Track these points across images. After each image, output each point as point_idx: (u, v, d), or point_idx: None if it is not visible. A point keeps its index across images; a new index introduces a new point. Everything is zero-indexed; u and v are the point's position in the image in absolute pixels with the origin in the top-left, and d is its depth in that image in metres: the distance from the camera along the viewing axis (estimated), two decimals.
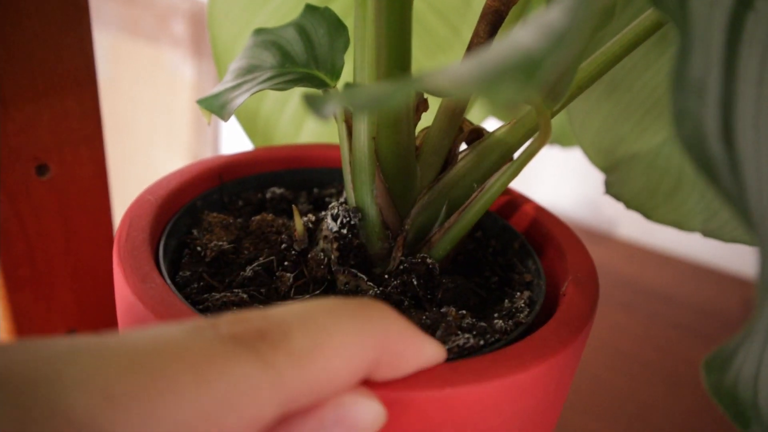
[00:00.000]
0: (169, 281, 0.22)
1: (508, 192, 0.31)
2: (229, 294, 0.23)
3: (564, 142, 0.43)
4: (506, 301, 0.24)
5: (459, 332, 0.22)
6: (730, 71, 0.14)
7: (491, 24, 0.24)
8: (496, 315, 0.24)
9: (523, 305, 0.24)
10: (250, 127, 0.37)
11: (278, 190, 0.30)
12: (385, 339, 0.16)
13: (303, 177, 0.31)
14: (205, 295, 0.23)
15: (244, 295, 0.23)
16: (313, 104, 0.13)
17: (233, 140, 0.93)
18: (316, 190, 0.31)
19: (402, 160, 0.24)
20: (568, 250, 0.26)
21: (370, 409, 0.16)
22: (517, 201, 0.30)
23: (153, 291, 0.21)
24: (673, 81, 0.13)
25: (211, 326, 0.15)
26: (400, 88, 0.12)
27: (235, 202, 0.29)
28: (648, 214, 0.31)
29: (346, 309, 0.16)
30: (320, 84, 0.25)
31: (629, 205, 0.31)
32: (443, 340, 0.21)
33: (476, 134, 0.26)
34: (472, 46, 0.24)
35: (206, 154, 0.91)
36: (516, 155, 0.24)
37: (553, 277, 0.26)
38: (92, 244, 0.34)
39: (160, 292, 0.21)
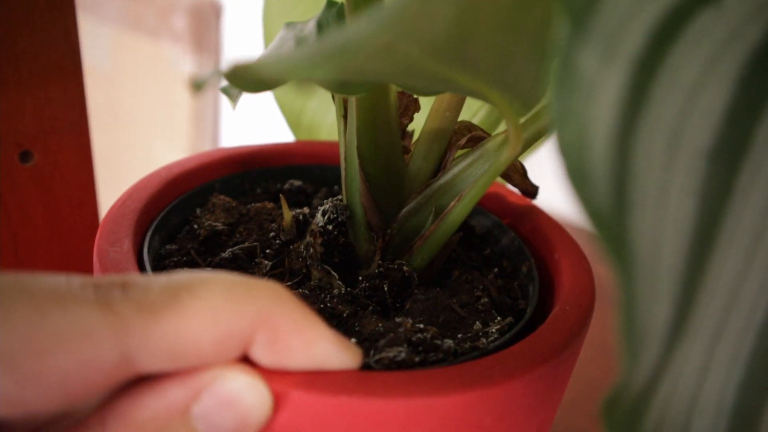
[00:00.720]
0: (146, 250, 0.24)
1: (531, 206, 0.30)
2: (189, 270, 0.24)
3: None
4: (477, 323, 0.24)
5: (404, 345, 0.21)
6: (646, 71, 0.12)
7: None
8: (459, 336, 0.23)
9: (494, 331, 0.23)
10: (294, 122, 0.39)
11: (297, 183, 0.32)
12: (265, 316, 0.16)
13: (330, 173, 0.32)
14: (175, 269, 0.24)
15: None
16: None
17: (233, 133, 0.96)
18: (336, 187, 0.32)
19: (384, 160, 0.24)
20: (567, 275, 0.25)
21: (253, 390, 0.16)
22: (533, 214, 0.29)
23: (115, 254, 0.22)
24: (556, 74, 0.11)
25: (86, 277, 0.15)
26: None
27: (254, 190, 0.31)
28: None
29: (225, 280, 0.16)
30: None
31: None
32: (382, 349, 0.21)
33: (477, 140, 0.25)
34: None
35: (205, 147, 0.93)
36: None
37: (549, 304, 0.25)
38: (77, 232, 0.34)
39: (120, 256, 0.22)
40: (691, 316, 0.12)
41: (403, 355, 0.20)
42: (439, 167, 0.25)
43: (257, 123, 0.89)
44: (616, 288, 0.11)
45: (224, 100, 0.93)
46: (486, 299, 0.25)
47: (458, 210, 0.23)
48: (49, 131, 0.31)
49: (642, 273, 0.11)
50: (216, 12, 0.86)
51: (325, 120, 0.39)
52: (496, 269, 0.28)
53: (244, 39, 0.88)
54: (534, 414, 0.21)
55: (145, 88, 0.92)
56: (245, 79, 0.15)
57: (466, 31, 0.13)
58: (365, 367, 0.20)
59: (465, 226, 0.31)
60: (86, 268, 0.36)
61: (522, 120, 0.24)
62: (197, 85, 0.14)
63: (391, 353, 0.20)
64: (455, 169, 0.25)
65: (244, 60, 0.13)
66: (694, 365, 0.13)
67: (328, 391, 0.17)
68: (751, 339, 0.13)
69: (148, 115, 0.93)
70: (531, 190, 0.28)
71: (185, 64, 0.87)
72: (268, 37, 0.38)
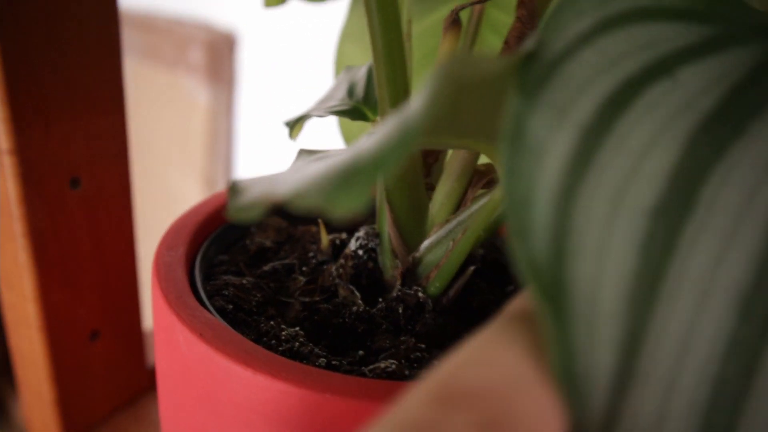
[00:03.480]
0: (199, 257, 0.29)
1: None
2: (234, 278, 0.28)
3: None
4: None
5: (402, 360, 0.24)
6: (593, 137, 0.14)
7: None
8: None
9: None
10: None
11: None
12: None
13: None
14: (222, 275, 0.29)
15: (244, 281, 0.28)
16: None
17: (246, 162, 0.98)
18: None
19: (407, 194, 0.27)
20: None
21: None
22: None
23: (169, 258, 0.27)
24: (507, 139, 0.13)
25: None
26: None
27: (309, 214, 0.35)
28: None
29: None
30: (362, 116, 0.30)
31: None
32: (379, 361, 0.24)
33: (496, 182, 0.28)
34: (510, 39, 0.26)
35: (220, 176, 0.95)
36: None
37: None
38: (116, 252, 0.39)
39: (173, 260, 0.27)
40: (639, 364, 0.13)
41: (393, 367, 0.23)
42: (460, 204, 0.28)
43: (271, 153, 0.95)
44: (548, 337, 0.12)
45: (238, 129, 0.99)
46: None
47: (462, 244, 0.25)
48: (96, 160, 0.35)
49: (579, 321, 0.13)
50: (230, 44, 0.93)
51: None
52: None
53: (257, 69, 0.95)
54: None
55: (162, 117, 0.99)
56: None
57: (457, 108, 0.16)
58: (360, 375, 0.23)
59: (496, 263, 0.34)
60: (123, 284, 0.40)
61: None
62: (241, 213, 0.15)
63: (383, 364, 0.23)
64: (473, 207, 0.27)
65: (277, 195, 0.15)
66: (650, 412, 0.14)
67: (314, 388, 0.20)
68: (707, 388, 0.14)
69: (165, 142, 1.00)
70: None
71: (200, 94, 0.95)
72: (339, 66, 0.42)
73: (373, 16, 0.23)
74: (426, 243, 0.28)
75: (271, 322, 0.26)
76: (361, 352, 0.25)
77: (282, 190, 0.14)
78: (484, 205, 0.26)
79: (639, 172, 0.14)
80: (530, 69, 0.14)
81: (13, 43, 0.31)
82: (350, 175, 0.13)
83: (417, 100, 0.13)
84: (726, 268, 0.14)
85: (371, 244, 0.29)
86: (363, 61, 0.42)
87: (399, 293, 0.27)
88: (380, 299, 0.28)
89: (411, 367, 0.23)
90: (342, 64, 0.42)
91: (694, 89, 0.15)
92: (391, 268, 0.29)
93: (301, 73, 0.88)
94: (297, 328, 0.26)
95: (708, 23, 0.16)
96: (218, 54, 0.91)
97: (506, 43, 0.25)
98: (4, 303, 0.39)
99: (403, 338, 0.25)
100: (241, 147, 0.98)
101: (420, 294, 0.27)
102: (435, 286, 0.27)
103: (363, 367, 0.23)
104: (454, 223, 0.28)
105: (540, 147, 0.13)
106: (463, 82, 0.14)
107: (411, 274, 0.29)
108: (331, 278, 0.29)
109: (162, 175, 0.99)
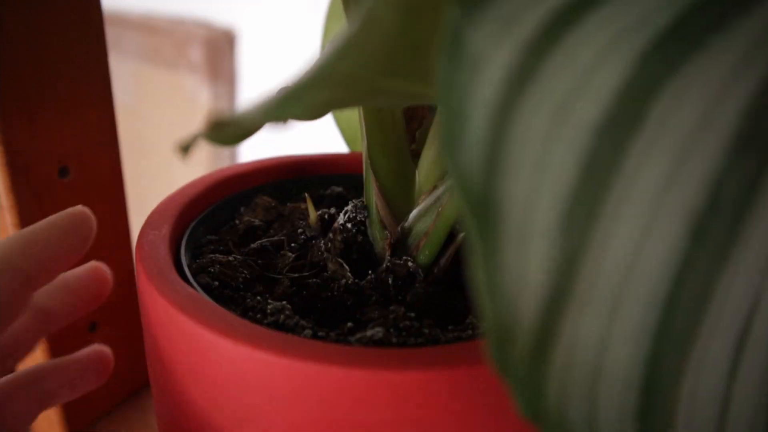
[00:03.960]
0: (185, 239, 0.29)
1: None
2: (220, 256, 0.28)
3: None
4: (471, 317, 0.25)
5: (391, 328, 0.24)
6: (537, 52, 0.13)
7: None
8: (450, 327, 0.25)
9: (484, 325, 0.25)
10: (351, 136, 0.43)
11: (338, 189, 0.36)
12: None
13: None
14: (210, 254, 0.29)
15: (231, 258, 0.28)
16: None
17: (251, 158, 1.03)
18: None
19: (391, 162, 0.27)
20: None
21: None
22: None
23: (152, 236, 0.27)
24: (444, 50, 0.12)
25: None
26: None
27: (300, 194, 0.36)
28: None
29: None
30: None
31: None
32: (366, 330, 0.24)
33: None
34: None
35: None
36: None
37: None
38: (109, 242, 0.39)
39: (157, 238, 0.27)
40: (577, 284, 0.13)
41: (380, 334, 0.23)
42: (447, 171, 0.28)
43: (274, 147, 0.95)
44: (474, 254, 0.12)
45: None
46: None
47: (448, 210, 0.25)
48: (84, 149, 0.36)
49: (509, 237, 0.12)
50: (229, 41, 0.94)
51: None
52: None
53: (257, 65, 0.95)
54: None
55: (164, 117, 1.00)
56: (225, 134, 0.17)
57: (411, 44, 0.15)
58: (347, 344, 0.22)
59: None
60: (118, 275, 0.41)
61: None
62: (185, 149, 0.15)
63: (369, 333, 0.23)
64: None
65: (224, 115, 0.15)
66: (591, 333, 0.13)
67: (296, 356, 0.20)
68: (656, 312, 0.13)
69: (168, 141, 1.01)
70: None
71: (201, 92, 0.95)
72: (325, 44, 0.42)
73: None
74: (414, 212, 0.28)
75: (258, 298, 0.26)
76: (349, 324, 0.25)
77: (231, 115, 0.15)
78: None
79: (584, 89, 0.13)
80: None
81: None
82: (289, 96, 0.13)
83: (350, 25, 0.13)
84: (677, 189, 0.13)
85: (360, 217, 0.29)
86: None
87: (389, 264, 0.27)
88: (370, 272, 0.28)
89: (399, 335, 0.23)
90: (327, 42, 0.42)
91: (652, 4, 0.14)
92: (381, 240, 0.28)
93: (300, 68, 0.88)
94: (284, 302, 0.25)
95: None
96: (218, 52, 0.91)
97: None
98: None
99: (392, 308, 0.25)
100: (245, 142, 0.98)
101: (410, 264, 0.27)
102: (424, 254, 0.27)
103: (350, 337, 0.23)
104: (441, 189, 0.28)
105: (479, 59, 0.13)
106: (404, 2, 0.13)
107: (401, 244, 0.28)
108: (320, 253, 0.29)
109: (167, 175, 0.99)
